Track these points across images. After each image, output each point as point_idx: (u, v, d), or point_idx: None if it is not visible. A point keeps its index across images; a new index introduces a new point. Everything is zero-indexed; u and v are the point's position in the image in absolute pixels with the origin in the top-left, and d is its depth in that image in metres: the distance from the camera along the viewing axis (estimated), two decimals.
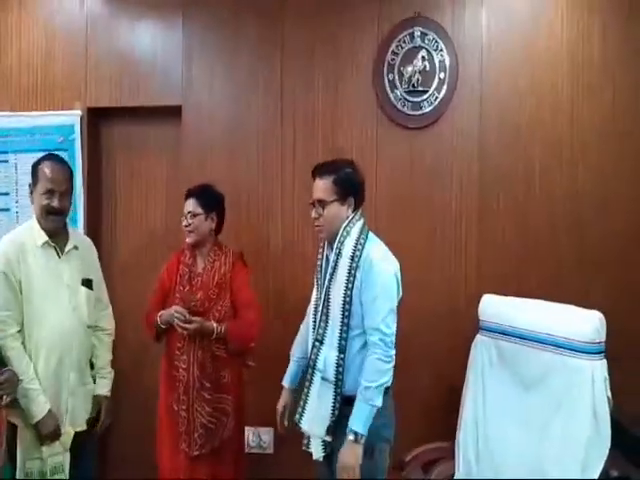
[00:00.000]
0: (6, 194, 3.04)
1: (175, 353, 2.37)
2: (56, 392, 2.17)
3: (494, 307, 2.45)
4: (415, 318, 2.74)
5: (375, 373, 1.91)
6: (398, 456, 2.29)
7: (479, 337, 2.47)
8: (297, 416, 2.06)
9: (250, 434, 2.80)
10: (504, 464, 2.24)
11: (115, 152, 3.12)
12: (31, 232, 2.21)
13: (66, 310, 2.19)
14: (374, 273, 1.95)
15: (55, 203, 2.16)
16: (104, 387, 2.33)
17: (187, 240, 2.43)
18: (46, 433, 2.10)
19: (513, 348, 2.33)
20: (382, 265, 1.97)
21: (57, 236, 2.23)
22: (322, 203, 2.03)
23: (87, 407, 2.27)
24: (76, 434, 2.20)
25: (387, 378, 1.93)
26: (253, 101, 2.89)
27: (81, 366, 2.24)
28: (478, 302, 2.49)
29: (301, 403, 2.05)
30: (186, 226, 2.40)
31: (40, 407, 2.10)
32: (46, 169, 2.18)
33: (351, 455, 1.88)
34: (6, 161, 3.03)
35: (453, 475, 2.36)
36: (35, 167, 2.22)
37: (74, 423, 2.20)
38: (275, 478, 2.78)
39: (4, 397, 1.89)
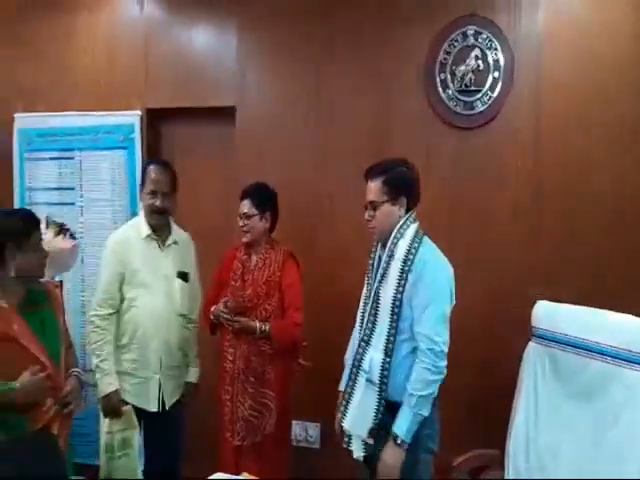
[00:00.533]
0: (71, 189, 3.23)
1: (225, 345, 2.47)
2: (147, 373, 2.44)
3: (548, 314, 2.37)
4: (466, 322, 2.68)
5: (421, 382, 1.90)
6: (444, 460, 2.28)
7: (532, 345, 2.39)
8: (340, 415, 2.08)
9: (297, 428, 2.86)
10: (555, 476, 2.17)
11: (172, 151, 3.24)
12: (137, 226, 2.50)
13: (161, 298, 2.45)
14: (427, 277, 1.93)
15: (158, 203, 2.43)
16: (193, 375, 2.60)
17: (243, 240, 2.50)
18: (105, 409, 2.36)
19: (567, 357, 2.24)
20: (436, 270, 1.96)
21: (160, 231, 2.50)
22: (373, 204, 2.04)
23: (176, 390, 2.52)
24: (162, 414, 2.45)
25: (432, 390, 1.91)
26: (304, 101, 2.92)
27: (172, 350, 2.49)
28: (531, 307, 2.43)
29: (344, 402, 2.07)
30: (242, 227, 2.47)
31: (104, 386, 2.37)
32: (152, 172, 2.44)
33: (392, 456, 1.89)
34: (72, 158, 3.22)
35: None
36: (144, 169, 2.51)
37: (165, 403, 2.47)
38: (320, 472, 2.83)
39: (69, 405, 2.01)
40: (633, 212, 2.58)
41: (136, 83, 3.11)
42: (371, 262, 2.13)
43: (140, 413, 2.45)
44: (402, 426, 1.89)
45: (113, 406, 2.37)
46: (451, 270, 2.01)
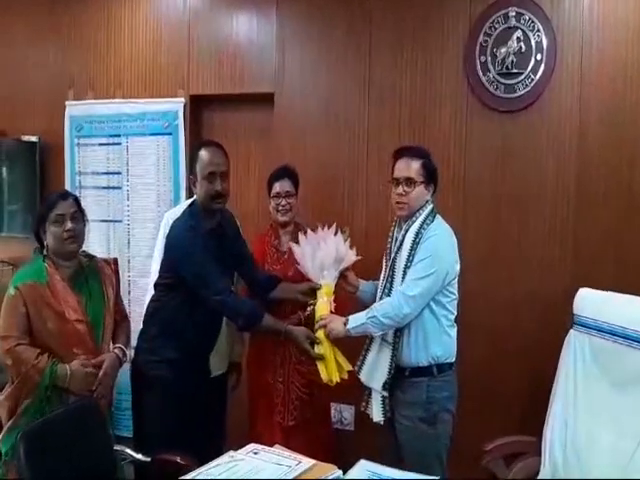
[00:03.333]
0: (118, 173, 3.35)
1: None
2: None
3: (590, 302, 2.31)
4: (508, 308, 2.70)
5: (384, 309, 2.06)
6: (479, 444, 2.27)
7: (573, 332, 2.34)
8: (356, 367, 2.21)
9: (333, 410, 2.89)
10: (593, 468, 2.12)
11: (214, 136, 3.27)
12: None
13: None
14: (428, 242, 2.08)
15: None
16: (239, 353, 2.63)
17: (282, 219, 2.55)
18: None
19: (609, 346, 2.19)
20: (438, 239, 2.09)
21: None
22: (410, 181, 2.12)
23: (222, 363, 2.54)
24: (210, 382, 2.40)
25: (387, 322, 2.05)
26: (342, 87, 2.95)
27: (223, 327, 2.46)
28: (574, 293, 2.37)
29: (361, 357, 2.21)
30: (284, 205, 2.52)
31: None
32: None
33: (339, 325, 2.11)
34: (119, 143, 3.34)
35: (537, 472, 2.29)
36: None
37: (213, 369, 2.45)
38: (355, 455, 2.84)
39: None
40: None
41: (180, 70, 3.21)
42: (389, 245, 2.24)
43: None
44: (355, 320, 2.10)
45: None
46: (454, 243, 2.14)
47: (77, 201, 2.16)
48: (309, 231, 2.35)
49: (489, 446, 2.28)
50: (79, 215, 2.13)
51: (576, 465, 2.18)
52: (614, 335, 2.19)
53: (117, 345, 2.23)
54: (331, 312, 2.20)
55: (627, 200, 2.56)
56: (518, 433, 2.39)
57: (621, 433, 2.09)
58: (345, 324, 2.11)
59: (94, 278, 2.18)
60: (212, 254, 2.17)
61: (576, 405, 2.27)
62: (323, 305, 2.21)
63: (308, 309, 2.29)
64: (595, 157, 2.59)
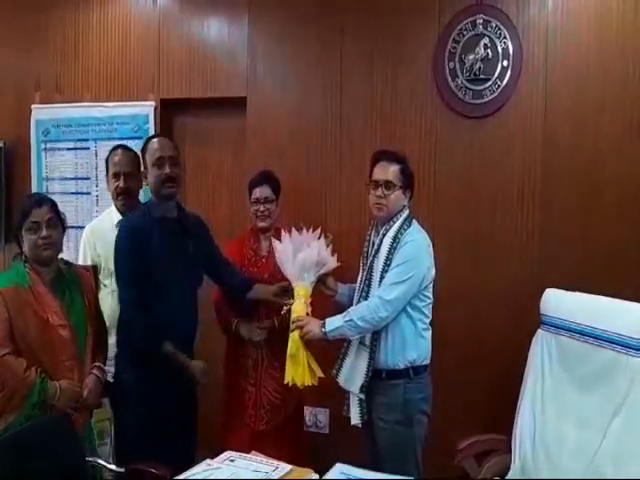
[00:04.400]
0: (87, 179, 3.31)
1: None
2: None
3: (557, 302, 2.37)
4: (476, 308, 2.75)
5: (361, 313, 2.09)
6: (452, 443, 2.31)
7: (540, 332, 2.40)
8: (334, 371, 2.24)
9: (307, 414, 2.90)
10: (560, 463, 2.17)
11: (185, 141, 3.29)
12: (110, 214, 2.59)
13: None
14: (404, 248, 2.12)
15: (121, 184, 2.47)
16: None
17: (261, 224, 2.54)
18: None
19: (575, 345, 2.25)
20: (414, 245, 2.13)
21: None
22: (389, 184, 2.16)
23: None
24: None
25: (363, 326, 2.08)
26: (314, 91, 2.96)
27: None
28: (540, 294, 2.44)
29: (339, 361, 2.23)
30: (262, 211, 2.51)
31: None
32: (113, 156, 2.52)
33: (315, 327, 2.12)
34: (87, 148, 3.29)
35: (508, 469, 2.34)
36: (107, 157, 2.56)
37: None
38: (329, 458, 2.86)
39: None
40: None
41: (150, 74, 3.18)
42: (365, 249, 2.28)
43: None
44: (332, 323, 2.12)
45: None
46: (429, 249, 2.20)
47: (54, 207, 2.09)
48: (293, 231, 2.35)
49: (461, 445, 2.33)
50: (56, 221, 2.07)
51: (545, 460, 2.23)
52: (580, 334, 2.25)
53: (95, 365, 2.16)
54: (307, 314, 2.21)
55: (590, 200, 2.63)
56: (489, 431, 2.43)
57: (586, 429, 2.15)
58: (322, 327, 2.12)
59: (74, 285, 2.13)
60: (160, 247, 2.16)
61: (544, 403, 2.32)
62: (300, 306, 2.21)
63: (284, 309, 2.29)
64: (560, 159, 2.66)
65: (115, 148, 2.60)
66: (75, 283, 2.13)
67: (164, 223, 2.23)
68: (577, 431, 2.18)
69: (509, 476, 2.30)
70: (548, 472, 2.21)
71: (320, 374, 2.19)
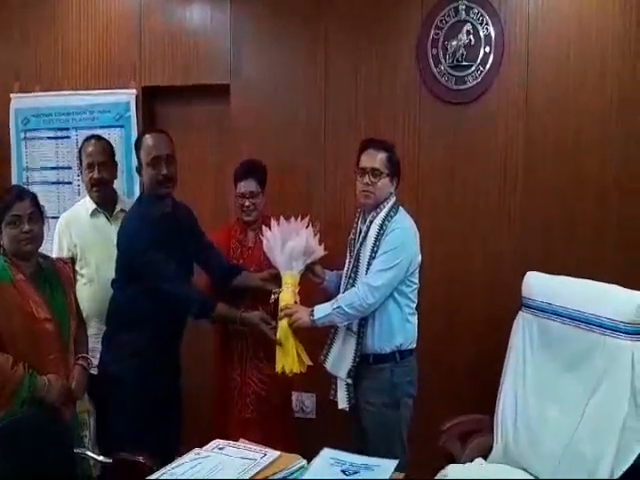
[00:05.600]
0: (69, 168, 3.26)
1: (228, 326, 2.45)
2: None
3: (538, 285, 2.42)
4: (458, 290, 2.80)
5: (349, 300, 2.12)
6: (436, 424, 2.36)
7: (521, 314, 2.46)
8: (322, 357, 2.27)
9: (294, 399, 2.93)
10: (541, 442, 2.23)
11: (168, 129, 3.20)
12: (84, 204, 2.59)
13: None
14: (392, 235, 2.15)
15: (95, 174, 2.49)
16: None
17: (247, 219, 2.51)
18: None
19: (555, 327, 2.30)
20: (401, 232, 2.16)
21: (106, 204, 2.55)
22: (376, 172, 2.18)
23: None
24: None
25: (352, 313, 2.12)
26: (298, 78, 2.95)
27: None
28: (521, 276, 2.48)
29: (326, 347, 2.27)
30: (247, 206, 2.47)
31: None
32: (86, 147, 2.53)
33: (305, 314, 2.16)
34: (68, 137, 3.24)
35: (490, 449, 2.40)
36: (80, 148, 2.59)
37: None
38: (316, 442, 2.91)
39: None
40: (629, 180, 2.61)
41: (131, 61, 3.12)
42: (352, 236, 2.30)
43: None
44: (321, 311, 2.15)
45: None
46: (416, 236, 2.23)
47: (35, 200, 2.06)
48: (282, 219, 2.35)
49: (445, 426, 2.39)
50: (37, 215, 2.04)
51: (526, 440, 2.29)
52: (560, 316, 2.30)
53: (80, 355, 2.17)
54: (295, 302, 2.23)
55: (571, 183, 2.67)
56: (472, 412, 2.49)
57: (566, 409, 2.20)
58: (310, 314, 2.15)
59: (53, 278, 2.11)
60: (164, 242, 2.16)
61: (525, 384, 2.37)
62: (288, 295, 2.23)
63: (272, 297, 2.29)
64: (541, 143, 2.69)
65: (88, 138, 2.60)
66: (54, 276, 2.12)
67: (161, 219, 2.23)
68: (557, 411, 2.23)
69: (491, 456, 2.36)
70: (529, 452, 2.26)
71: (309, 362, 2.22)
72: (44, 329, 1.99)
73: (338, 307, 2.12)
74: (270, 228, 2.36)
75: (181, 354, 2.45)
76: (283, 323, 2.18)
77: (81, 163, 2.57)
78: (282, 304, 2.22)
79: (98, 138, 2.60)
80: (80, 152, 2.59)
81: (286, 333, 2.17)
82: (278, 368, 2.18)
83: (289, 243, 2.26)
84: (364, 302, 2.10)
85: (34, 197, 2.07)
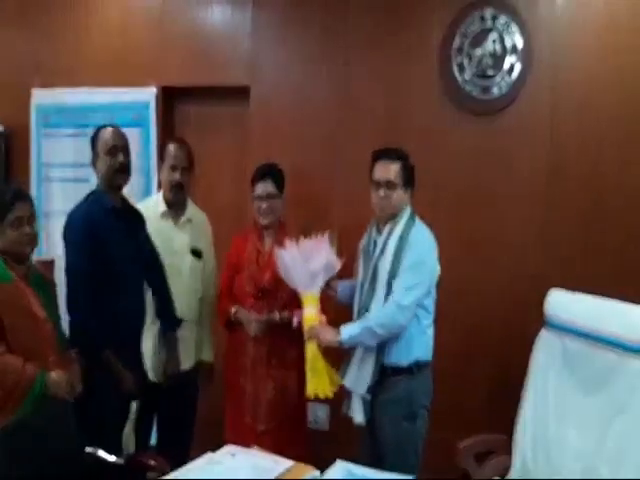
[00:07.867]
0: (86, 166, 3.19)
1: (242, 332, 2.42)
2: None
3: (561, 303, 2.35)
4: (480, 306, 2.72)
5: (379, 318, 2.07)
6: (449, 441, 2.29)
7: (544, 332, 2.38)
8: (340, 374, 2.20)
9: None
10: (561, 465, 2.17)
11: (187, 129, 3.24)
12: (155, 203, 2.57)
13: (170, 274, 2.45)
14: (413, 248, 2.11)
15: (177, 177, 2.48)
16: (207, 353, 2.62)
17: (263, 222, 2.45)
18: None
19: (578, 347, 2.24)
20: (422, 244, 2.14)
21: (176, 207, 2.55)
22: (391, 184, 2.14)
23: (188, 360, 2.51)
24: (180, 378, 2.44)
25: (381, 333, 2.06)
26: (318, 82, 2.93)
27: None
28: (542, 293, 2.42)
29: (344, 364, 2.20)
30: (264, 208, 2.41)
31: None
32: (171, 148, 2.50)
33: (331, 335, 2.09)
34: (86, 134, 3.21)
35: (507, 469, 2.32)
36: (162, 147, 2.59)
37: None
38: (329, 454, 2.84)
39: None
40: None
41: (151, 60, 3.12)
42: (366, 246, 2.26)
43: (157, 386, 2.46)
44: (349, 331, 2.08)
45: None
46: (435, 246, 2.19)
47: (32, 201, 2.02)
48: (302, 239, 2.29)
49: (461, 444, 2.32)
50: (35, 217, 2.00)
51: (545, 462, 2.22)
52: (583, 336, 2.23)
53: (73, 351, 2.12)
54: (320, 322, 2.16)
55: (596, 201, 2.60)
56: (487, 428, 2.42)
57: (587, 431, 2.14)
58: (337, 335, 2.08)
59: (40, 280, 2.06)
60: (109, 238, 2.16)
61: (546, 404, 2.30)
62: (312, 316, 2.15)
63: (295, 320, 2.23)
64: (567, 157, 2.63)
65: (174, 140, 2.65)
66: (41, 278, 2.08)
67: (114, 213, 2.24)
68: (578, 433, 2.17)
69: (509, 476, 2.29)
70: (547, 473, 2.20)
71: (340, 381, 2.15)
72: (46, 330, 1.96)
73: (368, 327, 2.06)
74: (285, 245, 2.28)
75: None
76: (312, 345, 2.11)
77: (162, 160, 2.56)
78: (307, 325, 2.14)
79: (183, 142, 2.62)
80: (161, 149, 2.62)
81: (315, 355, 2.11)
82: (310, 393, 2.11)
83: (310, 263, 2.20)
84: (395, 322, 2.06)
85: (31, 198, 2.04)
